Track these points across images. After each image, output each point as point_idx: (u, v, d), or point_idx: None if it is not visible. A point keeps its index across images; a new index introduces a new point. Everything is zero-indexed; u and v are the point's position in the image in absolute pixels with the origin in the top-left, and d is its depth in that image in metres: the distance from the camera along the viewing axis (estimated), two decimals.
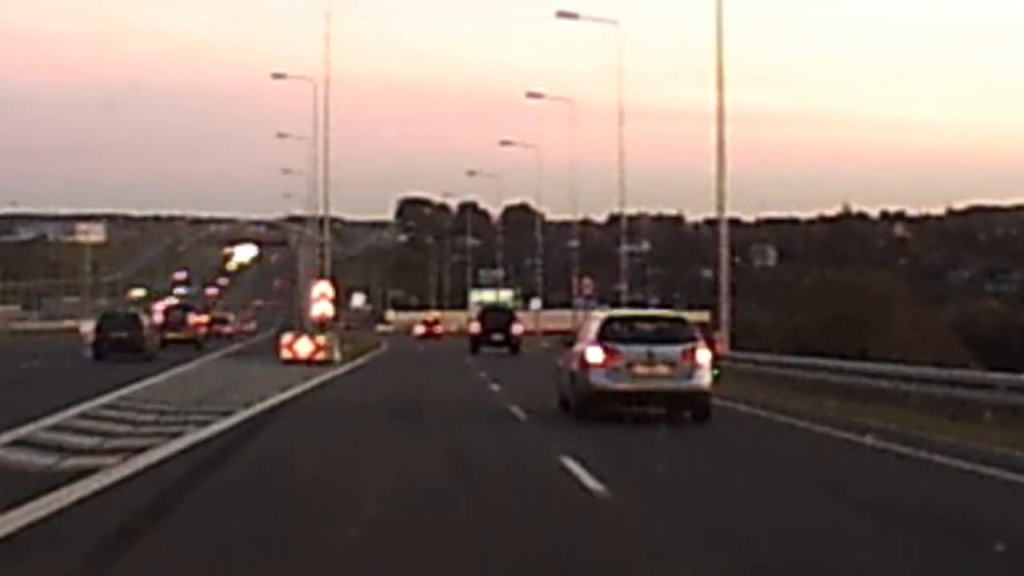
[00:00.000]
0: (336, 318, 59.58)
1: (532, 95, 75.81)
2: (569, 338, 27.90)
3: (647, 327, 25.19)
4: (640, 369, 23.79)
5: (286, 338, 51.38)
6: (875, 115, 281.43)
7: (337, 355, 51.57)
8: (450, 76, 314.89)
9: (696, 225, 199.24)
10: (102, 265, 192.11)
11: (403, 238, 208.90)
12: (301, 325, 59.23)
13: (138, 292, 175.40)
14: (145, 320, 56.38)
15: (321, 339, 50.67)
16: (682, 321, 25.84)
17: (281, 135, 72.63)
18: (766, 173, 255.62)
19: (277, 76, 58.97)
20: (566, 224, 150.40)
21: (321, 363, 48.03)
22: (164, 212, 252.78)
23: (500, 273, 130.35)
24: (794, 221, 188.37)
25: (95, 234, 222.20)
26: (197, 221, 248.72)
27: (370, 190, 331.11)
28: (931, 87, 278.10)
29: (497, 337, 68.29)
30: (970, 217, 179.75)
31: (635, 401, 24.18)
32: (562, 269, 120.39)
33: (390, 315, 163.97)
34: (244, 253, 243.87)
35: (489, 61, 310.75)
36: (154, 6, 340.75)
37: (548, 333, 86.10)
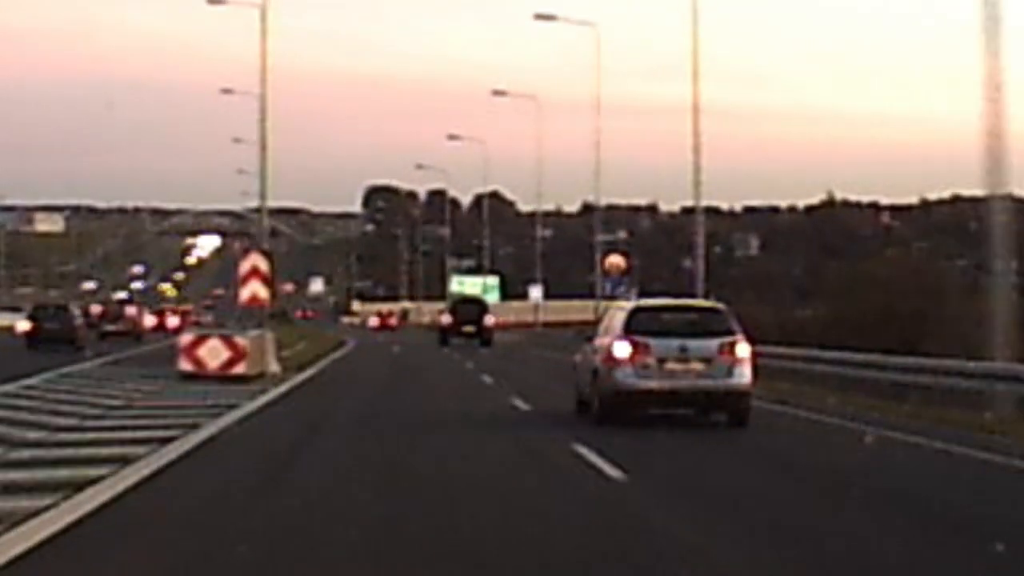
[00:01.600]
0: (272, 304, 43.80)
1: (545, 28, 67.25)
2: (589, 331, 24.78)
3: (680, 318, 22.56)
4: (672, 366, 21.51)
5: (185, 338, 33.76)
6: (851, 108, 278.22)
7: (273, 366, 36.05)
8: (416, 68, 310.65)
9: (672, 215, 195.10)
10: (60, 256, 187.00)
11: (370, 227, 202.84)
12: (260, 317, 43.66)
13: (89, 284, 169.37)
14: (76, 312, 57.15)
15: (241, 341, 33.06)
16: (718, 311, 22.78)
17: (227, 93, 66.21)
18: (746, 166, 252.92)
19: (218, 7, 51.93)
20: (534, 213, 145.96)
21: (242, 379, 31.68)
22: (128, 204, 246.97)
23: (470, 263, 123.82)
24: (775, 210, 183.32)
25: (53, 224, 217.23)
26: (159, 212, 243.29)
27: (337, 182, 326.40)
28: (907, 81, 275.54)
29: (469, 329, 67.60)
30: (956, 206, 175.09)
31: (666, 402, 21.90)
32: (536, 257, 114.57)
33: (356, 307, 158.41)
34: (206, 243, 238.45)
35: (460, 52, 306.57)
36: (119, 2, 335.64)
37: (547, 326, 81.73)
